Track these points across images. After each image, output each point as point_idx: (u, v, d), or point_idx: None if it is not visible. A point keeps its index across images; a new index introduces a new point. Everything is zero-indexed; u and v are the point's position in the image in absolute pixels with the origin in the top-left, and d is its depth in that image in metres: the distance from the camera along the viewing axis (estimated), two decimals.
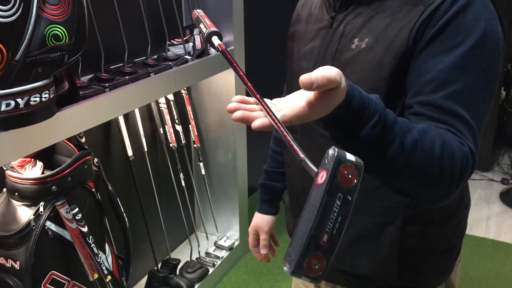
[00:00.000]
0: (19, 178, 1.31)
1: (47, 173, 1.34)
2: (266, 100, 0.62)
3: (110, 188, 1.62)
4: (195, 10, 0.97)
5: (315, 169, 0.53)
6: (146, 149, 1.98)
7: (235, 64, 0.68)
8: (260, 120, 0.58)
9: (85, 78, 1.62)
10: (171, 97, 2.09)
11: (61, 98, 1.32)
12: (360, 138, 0.63)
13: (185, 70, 1.82)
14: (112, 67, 1.74)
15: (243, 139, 2.34)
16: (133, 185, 1.92)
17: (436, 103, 0.74)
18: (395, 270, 0.93)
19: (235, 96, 0.64)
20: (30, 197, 1.31)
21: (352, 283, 0.99)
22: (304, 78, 0.57)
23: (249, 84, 0.63)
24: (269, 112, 0.58)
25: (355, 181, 0.50)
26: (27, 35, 1.09)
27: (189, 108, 2.24)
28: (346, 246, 0.93)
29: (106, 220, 1.57)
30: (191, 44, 2.00)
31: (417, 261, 0.94)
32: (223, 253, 2.37)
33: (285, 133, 0.56)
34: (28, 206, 1.31)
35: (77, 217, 1.35)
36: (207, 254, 2.36)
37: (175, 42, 2.01)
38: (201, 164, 2.32)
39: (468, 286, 2.28)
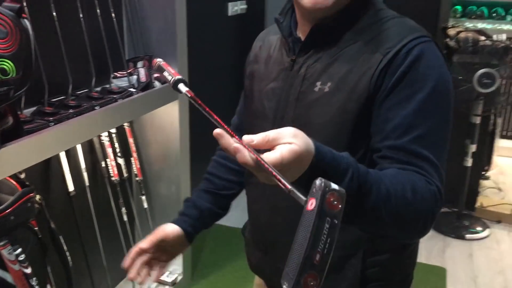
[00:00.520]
0: None
1: None
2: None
3: (52, 226, 1.55)
4: (155, 59, 0.98)
5: (304, 198, 0.58)
6: (87, 184, 1.93)
7: (207, 109, 0.70)
8: (245, 157, 0.62)
9: (27, 111, 1.56)
10: (113, 129, 2.05)
11: (5, 133, 1.27)
12: None
13: (131, 103, 1.81)
14: (54, 100, 1.70)
15: (187, 171, 2.33)
16: (73, 221, 1.85)
17: (403, 147, 0.81)
18: None
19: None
20: None
21: None
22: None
23: (226, 127, 0.65)
24: (250, 150, 0.62)
25: (340, 206, 0.56)
26: None
27: (131, 140, 2.21)
28: None
29: (46, 259, 1.50)
30: (135, 77, 1.99)
31: None
32: None
33: (270, 168, 0.60)
34: None
35: (20, 258, 1.29)
36: None
37: (118, 75, 1.99)
38: (144, 197, 2.27)
39: None
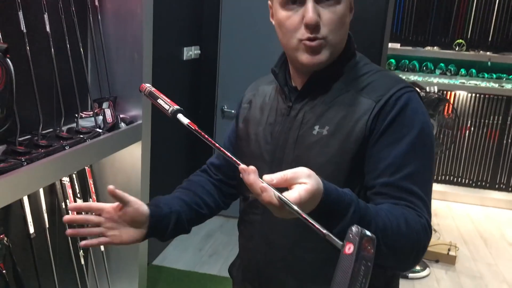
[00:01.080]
0: None
1: None
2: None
3: (18, 268, 1.50)
4: (144, 85, 1.02)
5: (340, 242, 0.64)
6: (47, 225, 1.87)
7: (213, 142, 0.76)
8: (271, 197, 0.68)
9: None
10: None
11: None
12: (346, 223, 0.75)
13: (100, 143, 1.81)
14: (21, 139, 1.66)
15: None
16: (32, 263, 1.78)
17: (396, 184, 0.90)
18: None
19: None
20: None
21: None
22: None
23: (234, 158, 0.72)
24: (278, 194, 0.68)
25: (372, 251, 0.63)
26: None
27: (90, 181, 2.18)
28: None
29: None
30: (100, 117, 1.99)
31: None
32: None
33: (304, 215, 0.66)
34: None
35: None
36: None
37: (83, 115, 1.98)
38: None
39: None
